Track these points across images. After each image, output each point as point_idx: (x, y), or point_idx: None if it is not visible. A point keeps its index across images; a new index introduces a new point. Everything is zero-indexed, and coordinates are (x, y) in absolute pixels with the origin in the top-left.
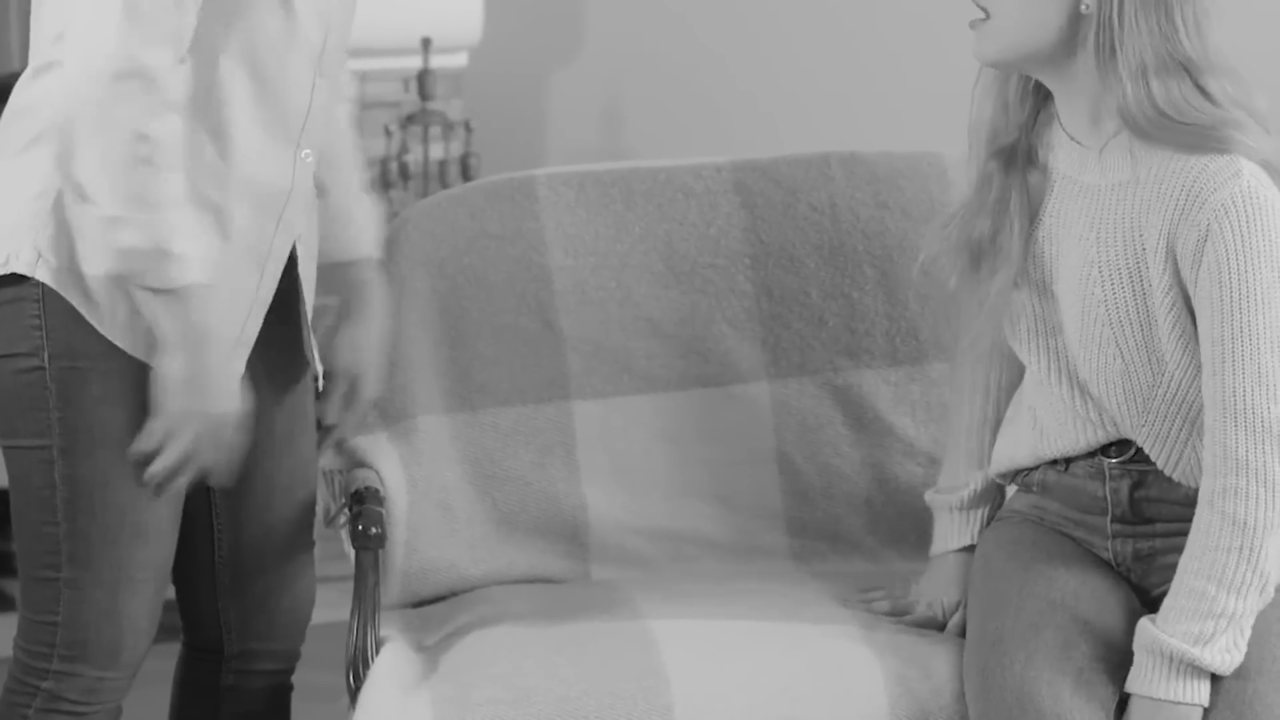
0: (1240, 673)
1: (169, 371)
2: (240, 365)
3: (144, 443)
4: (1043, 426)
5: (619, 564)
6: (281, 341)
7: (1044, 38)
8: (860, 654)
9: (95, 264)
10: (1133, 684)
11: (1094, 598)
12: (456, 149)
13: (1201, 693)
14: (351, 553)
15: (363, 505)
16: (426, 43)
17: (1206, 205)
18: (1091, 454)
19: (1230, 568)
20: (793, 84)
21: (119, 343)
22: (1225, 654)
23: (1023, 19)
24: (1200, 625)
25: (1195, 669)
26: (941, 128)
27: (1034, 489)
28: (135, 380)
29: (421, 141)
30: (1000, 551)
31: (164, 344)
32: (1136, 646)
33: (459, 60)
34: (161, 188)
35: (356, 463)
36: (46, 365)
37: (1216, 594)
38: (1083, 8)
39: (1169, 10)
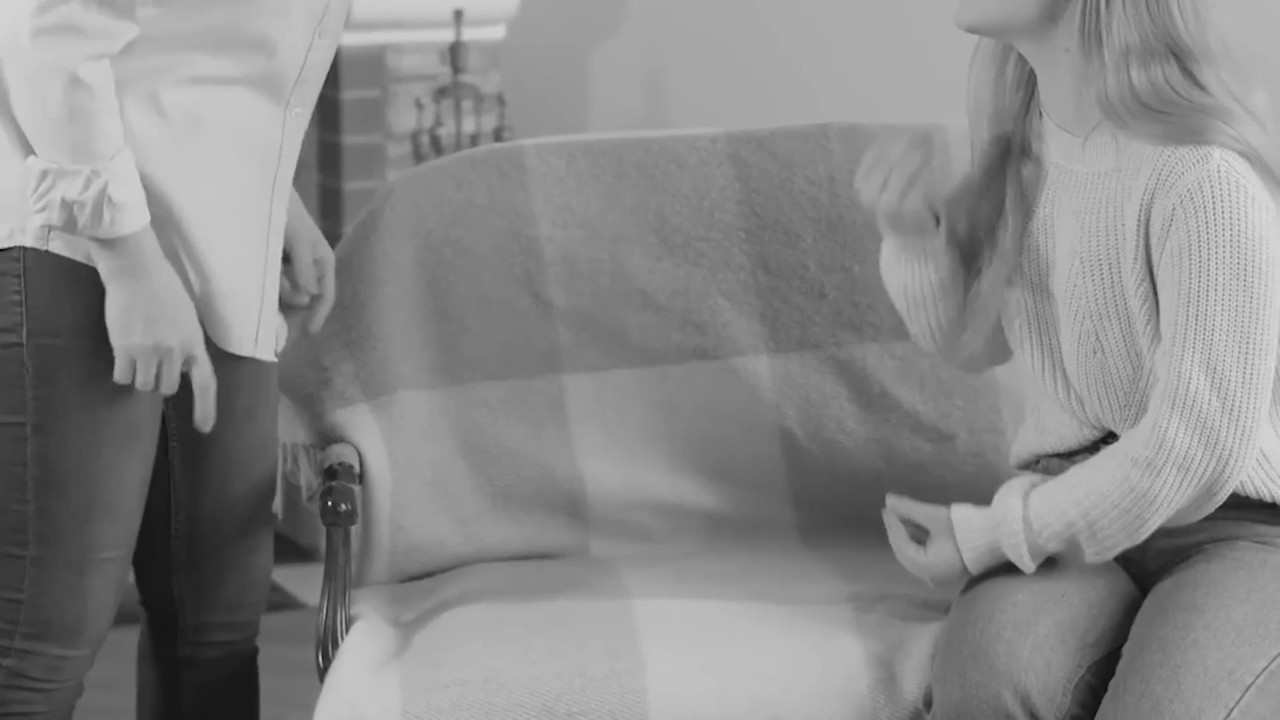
0: (1185, 623)
1: (115, 304)
2: (269, 333)
3: (118, 377)
4: (1042, 424)
5: (619, 538)
6: None
7: (1023, 9)
8: (844, 638)
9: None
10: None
11: (1080, 576)
12: (490, 122)
13: (973, 553)
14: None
15: (335, 481)
16: (458, 15)
17: (1174, 190)
18: (1091, 444)
19: (1112, 523)
20: (839, 53)
21: None
22: (1026, 557)
23: None
24: (1046, 538)
25: (1005, 539)
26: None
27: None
28: (112, 361)
29: (454, 115)
30: None
31: (107, 279)
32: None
33: (496, 33)
34: (101, 136)
35: (335, 438)
36: (24, 342)
37: (1081, 529)
38: None
39: None
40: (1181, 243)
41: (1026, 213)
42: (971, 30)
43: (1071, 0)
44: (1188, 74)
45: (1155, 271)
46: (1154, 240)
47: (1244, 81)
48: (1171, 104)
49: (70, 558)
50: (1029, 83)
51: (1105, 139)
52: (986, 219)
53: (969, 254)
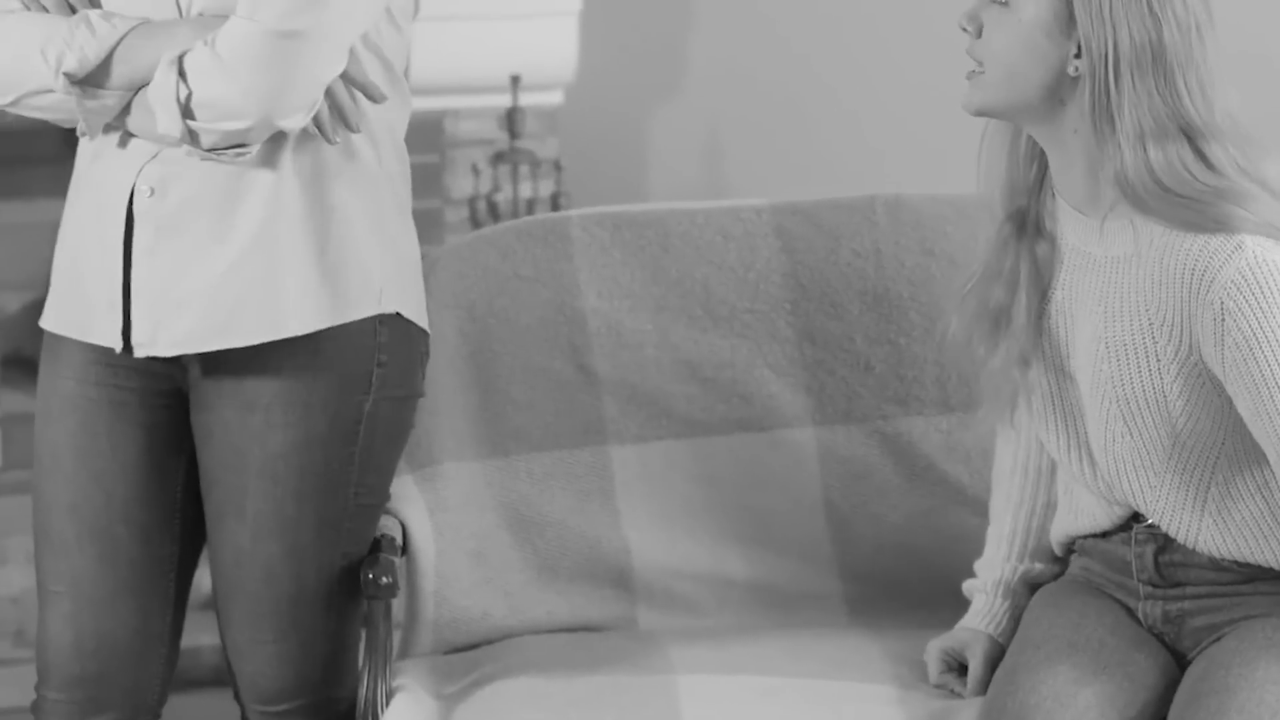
0: (1218, 707)
1: None
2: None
3: None
4: (1075, 505)
5: (666, 609)
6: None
7: (1027, 94)
8: (887, 713)
9: None
10: None
11: (1119, 649)
12: (547, 188)
13: None
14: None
15: (377, 554)
16: (516, 80)
17: (1216, 283)
18: (1123, 523)
19: None
20: (900, 120)
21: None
22: None
23: (1007, 74)
24: None
25: None
26: None
27: (1080, 553)
28: (66, 401)
29: (512, 180)
30: (1044, 602)
31: None
32: None
33: (554, 98)
34: None
35: None
36: None
37: None
38: (1070, 70)
39: (1169, 74)
40: (1245, 335)
41: (1043, 292)
42: (980, 114)
43: (1079, 83)
44: (1199, 154)
45: (1214, 366)
46: (1203, 334)
47: (1254, 155)
48: (1189, 187)
49: (40, 586)
50: (1041, 158)
51: (1122, 222)
52: (999, 297)
53: (995, 328)
